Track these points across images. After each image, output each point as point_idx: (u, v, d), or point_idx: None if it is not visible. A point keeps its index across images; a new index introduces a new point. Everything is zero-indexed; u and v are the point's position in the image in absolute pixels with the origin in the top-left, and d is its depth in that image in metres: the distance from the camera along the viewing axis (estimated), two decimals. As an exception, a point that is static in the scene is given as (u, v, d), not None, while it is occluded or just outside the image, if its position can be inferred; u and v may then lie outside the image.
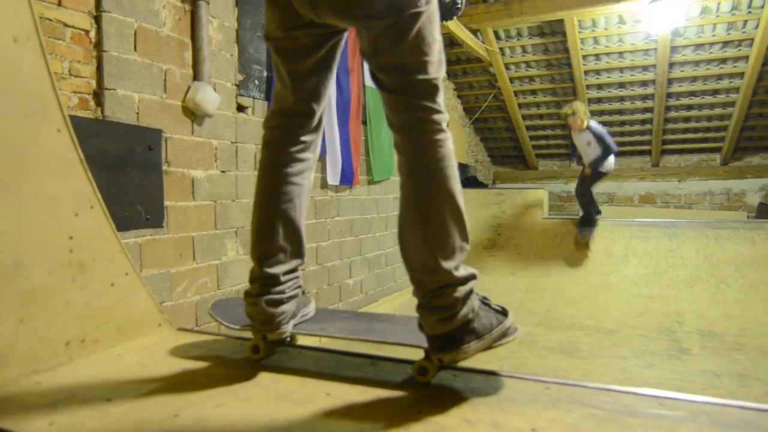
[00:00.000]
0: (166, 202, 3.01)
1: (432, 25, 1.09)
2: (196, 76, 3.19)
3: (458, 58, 6.70)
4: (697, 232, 5.86)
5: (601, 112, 7.17)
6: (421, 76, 1.08)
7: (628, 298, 5.39)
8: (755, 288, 5.23)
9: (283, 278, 1.22)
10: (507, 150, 8.46)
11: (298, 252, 1.27)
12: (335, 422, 0.97)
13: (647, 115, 7.02)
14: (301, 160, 1.27)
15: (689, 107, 6.78)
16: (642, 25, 5.62)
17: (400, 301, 5.48)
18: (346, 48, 4.53)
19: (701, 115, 6.85)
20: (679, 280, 5.49)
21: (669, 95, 6.63)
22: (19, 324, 1.20)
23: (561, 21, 5.72)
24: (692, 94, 6.58)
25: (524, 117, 7.53)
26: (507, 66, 6.69)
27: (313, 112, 1.28)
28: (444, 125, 1.10)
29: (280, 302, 1.21)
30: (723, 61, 6.03)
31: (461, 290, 1.05)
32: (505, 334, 1.08)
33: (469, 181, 7.25)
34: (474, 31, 6.02)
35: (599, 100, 7.00)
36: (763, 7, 5.14)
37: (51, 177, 1.27)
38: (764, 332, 4.56)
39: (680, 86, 6.49)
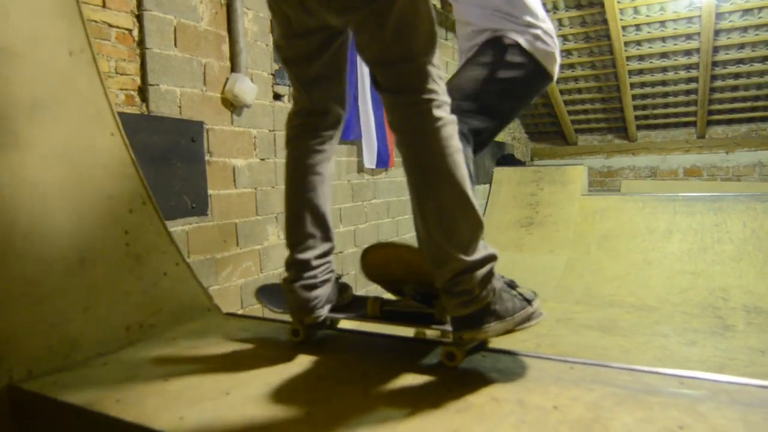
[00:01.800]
0: (210, 191, 3.16)
1: (416, 4, 1.09)
2: (234, 68, 3.30)
3: (492, 34, 6.60)
4: (744, 205, 5.67)
5: (643, 84, 6.96)
6: (408, 63, 1.10)
7: (670, 275, 5.30)
8: (806, 262, 5.05)
9: (314, 263, 1.31)
10: (545, 126, 8.33)
11: (326, 236, 1.36)
12: (371, 400, 1.05)
13: (692, 86, 6.77)
14: (321, 152, 1.35)
15: (737, 75, 6.50)
16: (685, -9, 5.42)
17: (438, 280, 5.55)
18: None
19: (750, 83, 6.56)
20: (725, 255, 5.36)
21: (715, 64, 6.38)
22: (84, 312, 1.33)
23: (599, -8, 5.57)
24: (740, 61, 6.30)
25: (562, 92, 7.38)
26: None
27: (330, 110, 1.35)
28: (440, 112, 1.11)
29: (314, 287, 1.30)
30: (773, 25, 5.75)
31: (479, 274, 1.10)
32: (528, 318, 1.14)
33: (506, 159, 7.20)
34: (508, 7, 5.92)
35: (641, 72, 6.78)
36: (816, -34, 4.87)
37: (107, 178, 1.39)
38: (814, 308, 4.43)
39: (727, 54, 6.23)
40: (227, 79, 3.25)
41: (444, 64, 5.80)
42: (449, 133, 1.12)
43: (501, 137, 7.43)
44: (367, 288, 4.55)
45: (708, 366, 3.38)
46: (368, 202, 4.58)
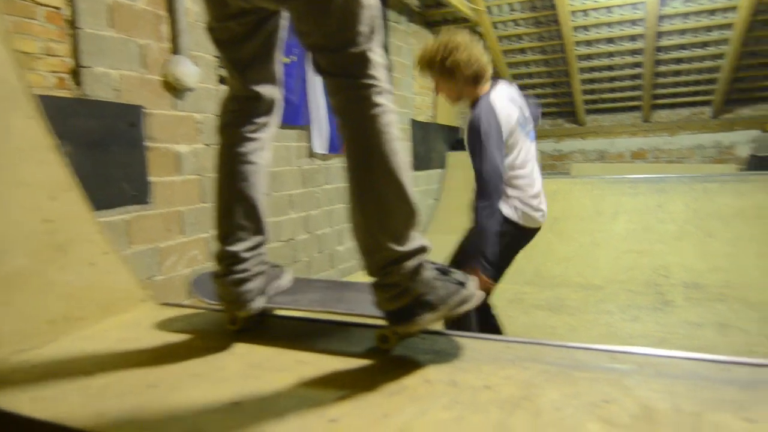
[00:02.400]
0: (151, 178, 3.05)
1: None
2: (175, 50, 3.17)
3: (445, 18, 6.59)
4: (686, 186, 5.91)
5: (591, 69, 7.12)
6: (351, 50, 1.08)
7: (616, 255, 5.47)
8: (741, 240, 5.30)
9: (245, 255, 1.26)
10: (498, 110, 8.42)
11: (258, 229, 1.31)
12: (304, 386, 1.03)
13: (637, 71, 6.97)
14: (255, 140, 1.30)
15: (679, 60, 6.73)
16: (629, -22, 5.54)
17: (393, 265, 5.57)
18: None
19: (691, 68, 6.81)
20: (668, 235, 5.57)
21: (659, 49, 6.57)
22: (3, 306, 1.26)
23: (547, -24, 5.63)
24: (682, 47, 6.52)
25: (514, 76, 7.47)
26: (495, 25, 6.61)
27: (263, 96, 1.30)
28: (380, 98, 1.09)
29: (245, 280, 1.26)
30: (712, 12, 5.95)
31: (408, 265, 1.08)
32: (463, 302, 1.13)
33: (460, 144, 7.24)
34: (459, -9, 5.93)
35: (589, 57, 6.93)
36: (751, -45, 5.05)
37: (24, 163, 1.30)
38: (748, 283, 4.66)
39: (670, 39, 6.43)
40: (168, 61, 3.13)
41: (397, 48, 5.76)
42: (388, 121, 1.10)
43: (454, 122, 7.48)
44: (320, 273, 4.51)
45: (649, 340, 3.52)
46: (320, 187, 4.53)
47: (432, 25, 6.73)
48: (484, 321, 2.60)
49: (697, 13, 6.00)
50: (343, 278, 4.79)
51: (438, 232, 6.46)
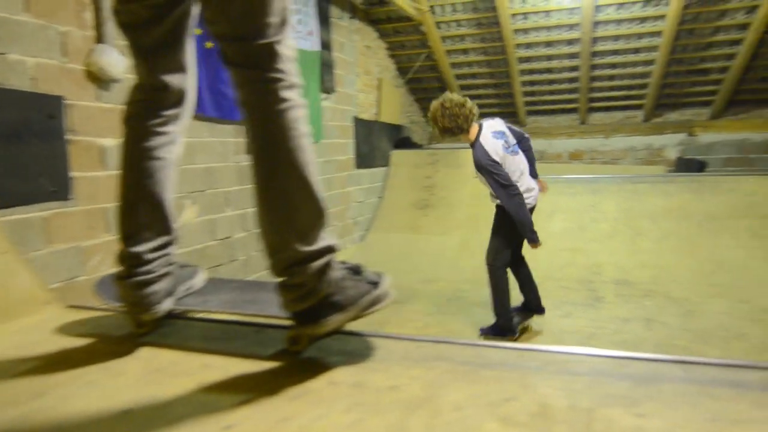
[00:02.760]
0: (73, 173, 2.89)
1: None
2: (100, 39, 3.02)
3: (389, 17, 6.60)
4: (618, 186, 6.15)
5: (531, 71, 7.29)
6: (259, 41, 1.04)
7: (553, 252, 5.62)
8: (668, 238, 5.57)
9: (149, 256, 1.20)
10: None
11: (164, 228, 1.25)
12: (204, 392, 0.99)
13: (574, 74, 7.19)
14: (163, 134, 1.24)
15: (613, 66, 7.00)
16: (566, -16, 5.70)
17: (335, 263, 5.53)
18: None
19: (624, 73, 7.09)
20: (600, 233, 5.78)
21: (594, 54, 6.81)
22: None
23: (489, -21, 5.72)
24: (616, 52, 6.77)
25: (457, 77, 7.57)
26: (438, 25, 6.66)
27: (170, 85, 1.24)
28: (288, 93, 1.07)
29: (149, 282, 1.20)
30: (643, 20, 6.21)
31: (315, 265, 1.06)
32: (375, 302, 1.11)
33: (403, 142, 7.28)
34: (403, -11, 5.94)
35: (528, 59, 7.10)
36: (678, -34, 5.30)
37: None
38: (673, 279, 4.90)
39: (604, 45, 6.67)
40: (92, 50, 2.97)
41: (340, 45, 5.71)
42: (295, 116, 1.07)
43: (399, 120, 7.50)
44: (257, 272, 4.42)
45: (579, 336, 3.64)
46: (259, 184, 4.43)
47: (376, 22, 6.72)
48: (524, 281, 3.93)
49: (629, 21, 6.25)
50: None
51: (381, 230, 6.47)
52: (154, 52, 1.22)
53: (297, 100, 1.08)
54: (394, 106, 7.27)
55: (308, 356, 1.13)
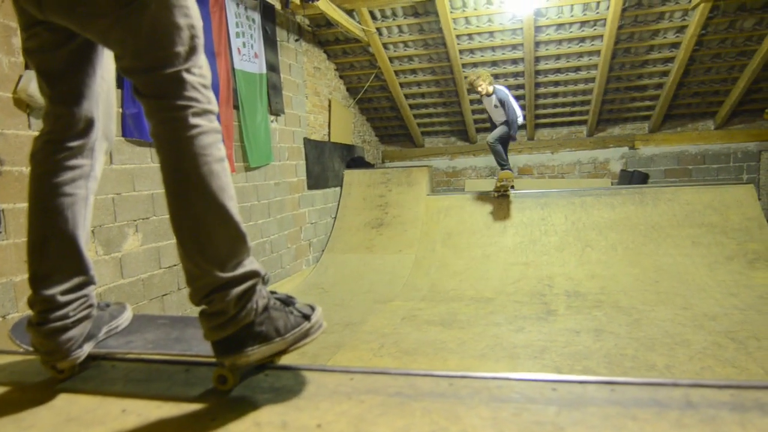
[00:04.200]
0: (3, 205, 2.75)
1: (170, 12, 1.02)
2: (28, 65, 2.90)
3: (336, 38, 6.64)
4: (565, 200, 6.32)
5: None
6: (165, 71, 1.02)
7: (506, 267, 5.72)
8: (615, 249, 5.74)
9: (62, 299, 1.13)
10: (393, 129, 8.58)
11: (79, 269, 1.19)
12: (120, 442, 0.93)
13: (520, 92, 7.39)
14: (72, 168, 1.18)
15: (556, 83, 7.23)
16: (507, 5, 5.87)
17: (290, 286, 5.44)
18: (210, 31, 4.33)
19: (567, 91, 7.33)
20: (551, 246, 5.91)
21: (537, 72, 7.02)
22: None
23: (433, 1, 5.82)
24: (558, 71, 7.00)
25: (407, 96, 7.65)
26: (386, 46, 6.73)
27: (75, 114, 1.18)
28: (198, 120, 1.05)
29: (64, 329, 1.12)
30: (582, 39, 6.45)
31: (234, 292, 1.03)
32: (305, 335, 1.09)
33: (356, 162, 7.28)
34: (349, 12, 5.99)
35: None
36: (611, -11, 5.54)
37: None
38: (620, 288, 5.04)
39: (546, 64, 6.89)
40: (20, 76, 2.85)
41: (287, 67, 5.69)
42: (207, 142, 1.04)
43: (351, 140, 7.51)
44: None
45: (532, 350, 3.68)
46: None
47: (324, 44, 6.75)
48: None
49: (569, 41, 6.48)
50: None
51: (336, 251, 6.42)
52: (59, 78, 1.17)
53: (208, 126, 1.06)
54: (345, 126, 7.28)
55: (237, 395, 1.08)
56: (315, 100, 6.42)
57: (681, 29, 6.15)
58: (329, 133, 6.74)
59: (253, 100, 4.91)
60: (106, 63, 1.23)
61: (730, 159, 7.52)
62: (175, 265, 3.98)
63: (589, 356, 3.55)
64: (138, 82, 1.04)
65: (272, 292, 1.12)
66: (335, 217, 6.75)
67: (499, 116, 6.04)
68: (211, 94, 1.10)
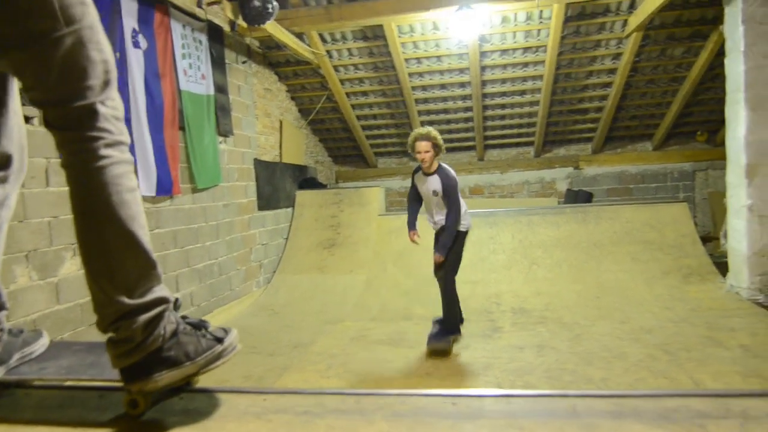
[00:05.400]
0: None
1: (85, 47, 1.05)
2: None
3: (287, 60, 6.69)
4: (513, 219, 6.49)
5: (429, 112, 7.62)
6: (78, 103, 1.05)
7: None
8: (560, 266, 5.92)
9: None
10: (347, 150, 8.66)
11: None
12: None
13: (469, 114, 7.60)
14: None
15: (503, 106, 7.47)
16: (452, 31, 6.06)
17: (238, 309, 5.37)
18: (155, 52, 4.31)
19: (514, 113, 7.59)
20: (499, 264, 6.05)
21: (485, 95, 7.25)
22: None
23: (381, 26, 5.96)
24: (504, 94, 7.25)
25: (358, 117, 7.75)
26: (336, 68, 6.83)
27: None
28: (109, 150, 1.07)
29: None
30: (525, 65, 6.72)
31: (142, 319, 1.04)
32: (217, 357, 1.10)
33: (308, 183, 7.30)
34: (298, 35, 6.06)
35: (425, 101, 7.43)
36: (550, 17, 5.81)
37: None
38: (565, 305, 5.19)
39: (493, 87, 7.12)
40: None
41: (237, 88, 5.69)
42: (119, 172, 1.07)
43: (303, 161, 7.53)
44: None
45: (475, 366, 3.75)
46: (150, 232, 4.24)
47: (275, 65, 6.79)
48: None
49: (513, 65, 6.73)
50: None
51: (287, 271, 6.38)
52: None
53: (119, 157, 1.08)
54: (296, 146, 7.30)
55: (148, 418, 1.08)
56: (266, 121, 6.44)
57: (617, 56, 6.49)
58: (281, 153, 6.75)
59: (200, 121, 4.89)
60: (15, 95, 1.23)
61: (667, 178, 7.91)
62: (115, 290, 3.88)
63: (531, 372, 3.64)
64: (50, 114, 1.06)
65: (183, 317, 1.13)
66: (287, 238, 6.73)
67: (439, 211, 4.13)
68: (123, 126, 1.12)
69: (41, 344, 1.32)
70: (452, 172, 4.09)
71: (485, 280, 5.83)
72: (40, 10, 1.00)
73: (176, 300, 1.12)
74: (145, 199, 4.16)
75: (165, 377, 1.04)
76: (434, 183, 4.03)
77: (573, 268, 5.85)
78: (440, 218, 4.14)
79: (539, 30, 6.13)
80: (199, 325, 1.13)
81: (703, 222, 7.74)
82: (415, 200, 4.38)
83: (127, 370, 1.05)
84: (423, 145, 3.94)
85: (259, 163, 6.08)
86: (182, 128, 4.64)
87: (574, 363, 3.76)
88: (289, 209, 6.88)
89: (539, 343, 4.22)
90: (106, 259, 1.04)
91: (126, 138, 1.11)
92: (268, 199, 6.25)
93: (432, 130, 4.02)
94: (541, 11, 5.81)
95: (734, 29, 4.72)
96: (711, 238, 6.84)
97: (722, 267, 5.35)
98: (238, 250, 5.60)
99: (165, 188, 4.29)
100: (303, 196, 7.00)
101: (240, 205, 5.66)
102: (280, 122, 6.80)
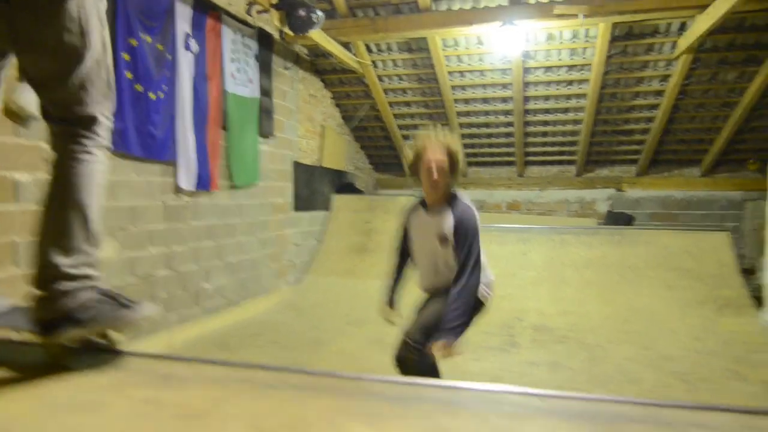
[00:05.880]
0: (-18, 206, 2.94)
1: (100, 69, 1.29)
2: (21, 77, 3.12)
3: (334, 68, 6.91)
4: (545, 237, 6.44)
5: (470, 125, 7.67)
6: (80, 109, 1.28)
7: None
8: (590, 287, 5.84)
9: None
10: (387, 158, 8.80)
11: None
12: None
13: (510, 129, 7.60)
14: None
15: (545, 123, 7.43)
16: (496, 46, 6.11)
17: (265, 305, 5.56)
18: (205, 55, 4.57)
19: (556, 131, 7.53)
20: (527, 281, 6.01)
21: (527, 111, 7.23)
22: None
23: (425, 38, 6.08)
24: (547, 111, 7.22)
25: (400, 127, 7.88)
26: (380, 78, 7.00)
27: None
28: (94, 150, 1.29)
29: None
30: (570, 82, 6.68)
31: (69, 285, 1.24)
32: (116, 320, 1.28)
33: (345, 188, 7.47)
34: (345, 44, 6.26)
35: (467, 113, 7.48)
36: (596, 36, 5.78)
37: None
38: (590, 327, 5.12)
39: (536, 104, 7.11)
40: (11, 88, 3.07)
41: (282, 93, 5.93)
42: (95, 169, 1.29)
43: (343, 166, 7.72)
44: (181, 310, 4.42)
45: (484, 377, 3.77)
46: (186, 224, 4.50)
47: (321, 72, 7.02)
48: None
49: (557, 83, 6.70)
50: (209, 317, 4.73)
51: (318, 273, 6.55)
52: None
53: (102, 158, 1.32)
54: (337, 152, 7.51)
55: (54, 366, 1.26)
56: (308, 126, 6.66)
57: (665, 78, 6.36)
58: (321, 157, 6.95)
59: (243, 122, 5.14)
60: None
61: (714, 206, 7.63)
62: (150, 276, 4.13)
63: (540, 387, 3.63)
64: (55, 110, 1.28)
65: (103, 289, 1.32)
66: (320, 240, 6.91)
67: (441, 262, 2.74)
68: (109, 135, 1.36)
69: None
70: (473, 207, 2.71)
71: (512, 296, 5.81)
72: (72, 30, 1.22)
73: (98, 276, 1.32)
74: (184, 192, 4.42)
75: (71, 333, 1.24)
76: (442, 222, 2.63)
77: (604, 290, 5.75)
78: (442, 280, 2.73)
79: (585, 48, 6.10)
80: (114, 296, 1.30)
81: (752, 254, 7.41)
82: (403, 253, 3.07)
83: (42, 323, 1.25)
84: (437, 154, 2.57)
85: (298, 166, 6.30)
86: (225, 128, 4.89)
87: (586, 383, 3.72)
88: (325, 212, 7.07)
89: (555, 360, 4.19)
90: (62, 234, 1.24)
91: (110, 145, 1.34)
92: (305, 201, 6.46)
93: (451, 137, 2.69)
94: (588, 30, 5.79)
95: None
96: (755, 270, 6.55)
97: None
98: (271, 248, 5.81)
99: (203, 183, 4.54)
100: (339, 201, 7.18)
101: (276, 205, 5.88)
102: (323, 127, 7.02)
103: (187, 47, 4.39)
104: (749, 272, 6.09)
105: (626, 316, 5.31)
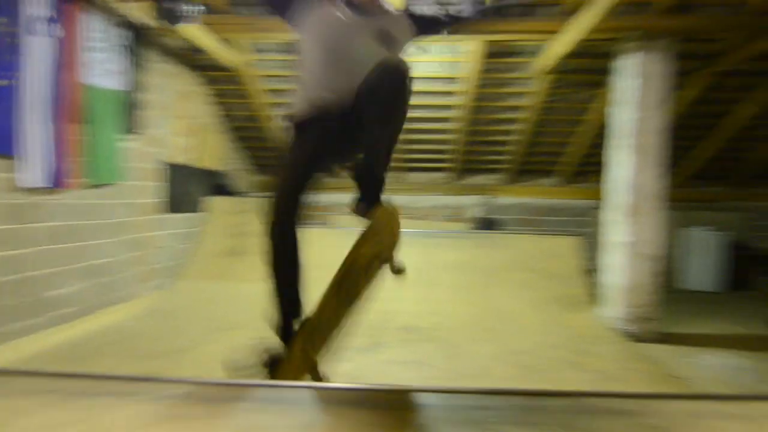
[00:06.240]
0: None
1: None
2: None
3: (213, 65, 6.69)
4: (419, 240, 6.73)
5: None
6: None
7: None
8: (458, 288, 6.18)
9: None
10: (266, 159, 8.68)
11: None
12: None
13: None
14: None
15: (422, 131, 7.75)
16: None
17: (126, 312, 5.25)
18: (62, 42, 4.25)
19: (432, 139, 7.88)
20: (397, 283, 6.21)
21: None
22: None
23: (305, 42, 6.08)
24: (423, 120, 7.53)
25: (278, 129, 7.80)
26: (259, 78, 6.90)
27: None
28: None
29: None
30: (446, 93, 7.03)
31: None
32: None
33: (221, 189, 7.28)
34: (224, 40, 6.10)
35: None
36: (469, 52, 6.13)
37: None
38: (455, 326, 5.41)
39: (415, 113, 7.39)
40: None
41: (152, 86, 5.63)
42: None
43: (219, 166, 7.50)
44: (27, 321, 4.06)
45: (344, 378, 3.87)
46: (31, 225, 4.13)
47: (200, 68, 6.78)
48: None
49: (433, 93, 7.02)
50: (59, 326, 4.38)
51: (188, 277, 6.30)
52: None
53: None
54: (212, 151, 7.28)
55: None
56: (182, 123, 6.40)
57: (529, 94, 6.91)
58: (197, 157, 6.71)
59: (105, 117, 4.83)
60: None
61: (572, 213, 8.41)
62: (-13, 280, 3.76)
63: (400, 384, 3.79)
64: None
65: None
66: (192, 243, 6.67)
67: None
68: None
69: None
70: None
71: (384, 297, 5.91)
72: None
73: None
74: (33, 190, 4.07)
75: None
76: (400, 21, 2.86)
77: (470, 291, 6.11)
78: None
79: (458, 62, 6.45)
80: None
81: (595, 256, 8.25)
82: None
83: None
84: None
85: (171, 165, 6.03)
86: (82, 122, 4.57)
87: (445, 379, 3.94)
88: (199, 214, 6.83)
89: (417, 359, 4.39)
90: None
91: None
92: (176, 202, 6.19)
93: None
94: (460, 45, 6.13)
95: (625, 81, 5.21)
96: (595, 270, 7.31)
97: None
98: (137, 251, 5.51)
99: (56, 180, 4.21)
100: (213, 202, 6.97)
101: (141, 206, 5.58)
102: (198, 126, 6.77)
103: (38, 32, 4.05)
104: (592, 272, 6.77)
105: (485, 315, 5.69)
